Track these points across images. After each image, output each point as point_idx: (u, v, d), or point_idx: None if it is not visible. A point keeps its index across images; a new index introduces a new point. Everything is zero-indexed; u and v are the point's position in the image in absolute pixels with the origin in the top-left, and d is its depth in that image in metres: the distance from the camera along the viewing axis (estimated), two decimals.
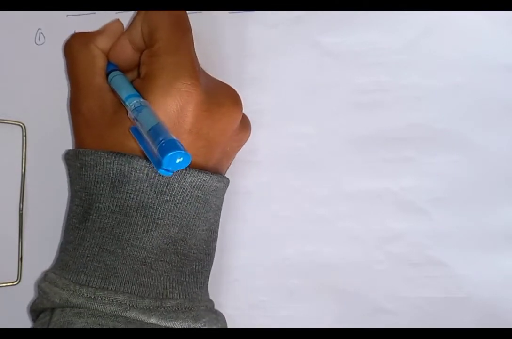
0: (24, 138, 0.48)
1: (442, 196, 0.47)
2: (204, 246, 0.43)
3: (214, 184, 0.42)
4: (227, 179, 0.44)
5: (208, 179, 0.42)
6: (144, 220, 0.41)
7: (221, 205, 0.45)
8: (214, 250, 0.45)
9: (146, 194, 0.41)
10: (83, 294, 0.40)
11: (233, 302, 0.48)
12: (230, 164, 0.46)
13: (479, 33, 0.47)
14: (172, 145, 0.37)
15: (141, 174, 0.40)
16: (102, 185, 0.41)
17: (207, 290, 0.44)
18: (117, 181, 0.41)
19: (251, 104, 0.47)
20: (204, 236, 0.43)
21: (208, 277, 0.44)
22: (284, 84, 0.48)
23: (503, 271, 0.47)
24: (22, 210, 0.47)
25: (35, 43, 0.48)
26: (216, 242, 0.45)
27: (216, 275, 0.46)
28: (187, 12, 0.44)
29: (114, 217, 0.41)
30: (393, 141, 0.47)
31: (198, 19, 0.46)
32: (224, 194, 0.45)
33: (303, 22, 0.47)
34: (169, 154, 0.36)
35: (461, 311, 0.47)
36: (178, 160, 0.37)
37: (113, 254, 0.41)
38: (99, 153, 0.41)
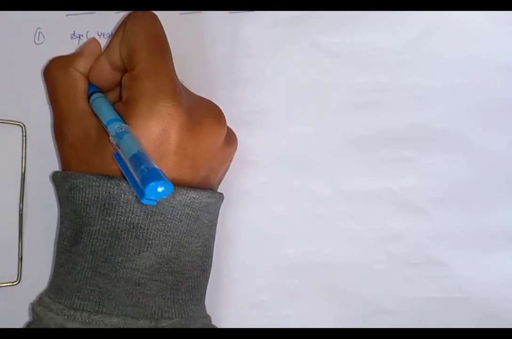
0: (24, 138, 0.47)
1: (442, 196, 0.47)
2: (200, 262, 0.43)
3: (205, 200, 0.42)
4: (219, 194, 0.44)
5: (197, 196, 0.42)
6: (136, 241, 0.41)
7: (216, 220, 0.44)
8: (210, 265, 0.44)
9: (136, 215, 0.41)
10: (77, 318, 0.40)
11: (233, 302, 0.48)
12: (222, 178, 0.46)
13: (479, 33, 0.47)
14: (154, 175, 0.36)
15: (130, 196, 0.40)
16: (92, 208, 0.41)
17: (204, 306, 0.44)
18: (107, 203, 0.41)
19: (251, 104, 0.47)
20: (199, 252, 0.43)
21: (204, 293, 0.44)
22: (284, 84, 0.48)
23: (503, 271, 0.47)
24: (22, 210, 0.47)
25: (35, 42, 0.48)
26: (212, 257, 0.44)
27: (216, 275, 0.46)
28: (187, 12, 0.44)
29: (106, 239, 0.41)
30: (393, 141, 0.47)
31: (198, 19, 0.46)
32: (218, 209, 0.44)
33: (303, 22, 0.47)
34: (151, 184, 0.36)
35: (461, 311, 0.47)
36: (160, 189, 0.36)
37: (106, 277, 0.41)
38: (88, 176, 0.41)
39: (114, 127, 0.40)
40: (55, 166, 0.47)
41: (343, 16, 0.47)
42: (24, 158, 0.48)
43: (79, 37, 0.48)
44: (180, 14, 0.47)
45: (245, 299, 0.48)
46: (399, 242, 0.47)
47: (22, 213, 0.47)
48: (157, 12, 0.46)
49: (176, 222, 0.41)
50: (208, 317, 0.44)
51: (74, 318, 0.40)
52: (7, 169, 0.47)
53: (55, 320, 0.41)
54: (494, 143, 0.47)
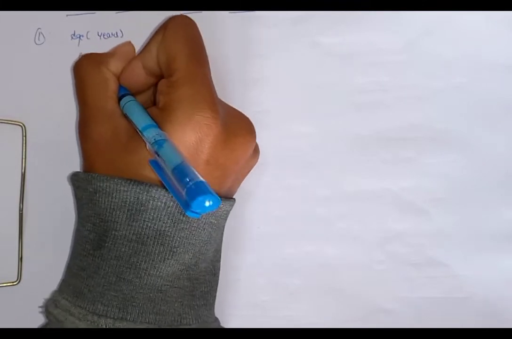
0: (24, 138, 0.47)
1: (442, 196, 0.47)
2: (211, 267, 0.43)
3: (227, 208, 0.43)
4: (234, 200, 0.44)
5: (222, 205, 0.42)
6: (161, 249, 0.40)
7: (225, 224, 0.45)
8: (219, 269, 0.45)
9: (164, 222, 0.40)
10: (102, 325, 0.40)
11: (234, 302, 0.48)
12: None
13: (479, 33, 0.47)
14: (202, 189, 0.35)
15: (159, 203, 0.40)
16: (118, 212, 0.40)
17: (213, 310, 0.44)
18: (134, 209, 0.40)
19: (251, 104, 0.47)
20: (212, 257, 0.43)
21: (215, 296, 0.44)
22: (284, 84, 0.48)
23: (503, 271, 0.47)
24: (22, 210, 0.47)
25: (35, 42, 0.48)
26: (220, 261, 0.45)
27: None
28: (187, 12, 0.44)
29: (131, 245, 0.40)
30: (393, 141, 0.47)
31: (198, 19, 0.46)
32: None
33: (303, 22, 0.47)
34: (199, 198, 0.35)
35: (461, 311, 0.47)
36: (207, 204, 0.35)
37: (131, 283, 0.40)
38: (116, 180, 0.40)
39: (152, 134, 0.39)
40: (55, 166, 0.47)
41: (343, 16, 0.47)
42: (24, 158, 0.48)
43: (79, 37, 0.48)
44: (180, 14, 0.47)
45: (245, 299, 0.48)
46: (399, 242, 0.47)
47: (22, 213, 0.47)
48: (157, 12, 0.47)
49: (199, 231, 0.41)
50: (217, 320, 0.44)
51: (98, 324, 0.40)
52: (7, 169, 0.47)
53: (78, 326, 0.40)
54: (494, 143, 0.47)
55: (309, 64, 0.47)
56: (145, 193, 0.40)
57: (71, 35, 0.48)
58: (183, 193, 0.36)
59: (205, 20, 0.47)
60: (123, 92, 0.43)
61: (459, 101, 0.47)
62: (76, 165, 0.47)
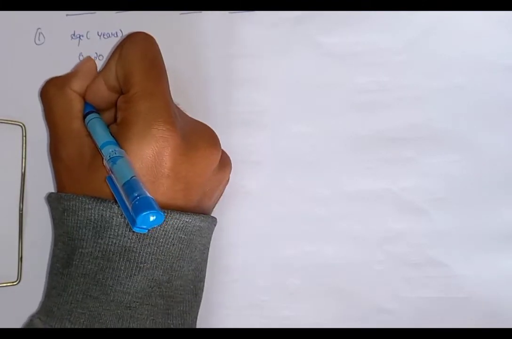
0: (24, 138, 0.47)
1: (442, 196, 0.47)
2: (191, 287, 0.43)
3: (198, 224, 0.42)
4: (213, 218, 0.44)
5: (190, 220, 0.41)
6: (127, 265, 0.40)
7: (209, 243, 0.44)
8: (202, 289, 0.44)
9: (128, 238, 0.40)
10: None
11: (233, 302, 0.48)
12: (216, 202, 0.46)
13: (479, 33, 0.47)
14: (145, 204, 0.36)
15: (122, 219, 0.40)
16: (84, 230, 0.41)
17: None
18: (99, 226, 0.41)
19: (251, 104, 0.47)
20: (191, 277, 0.43)
21: (196, 317, 0.44)
22: (284, 84, 0.48)
23: (503, 271, 0.47)
24: (22, 210, 0.47)
25: (35, 42, 0.48)
26: (204, 281, 0.44)
27: (216, 275, 0.46)
28: (187, 12, 0.44)
29: (97, 262, 0.41)
30: (393, 141, 0.47)
31: (198, 19, 0.46)
32: (211, 232, 0.44)
33: (303, 22, 0.47)
34: (142, 214, 0.36)
35: (461, 311, 0.47)
36: (151, 219, 0.36)
37: (97, 300, 0.41)
38: (80, 198, 0.41)
39: (108, 151, 0.40)
40: None
41: (343, 16, 0.47)
42: (24, 158, 0.48)
43: (79, 37, 0.48)
44: (180, 14, 0.47)
45: (245, 299, 0.48)
46: (399, 242, 0.47)
47: (22, 213, 0.47)
48: (157, 12, 0.47)
49: (168, 246, 0.41)
50: None
51: None
52: (7, 169, 0.47)
53: None
54: (494, 143, 0.47)
55: (309, 64, 0.47)
56: (109, 210, 0.40)
57: (71, 35, 0.48)
58: (130, 208, 0.37)
59: (205, 20, 0.47)
60: (88, 109, 0.44)
61: (459, 101, 0.47)
62: None
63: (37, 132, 0.47)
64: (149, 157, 0.40)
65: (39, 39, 0.48)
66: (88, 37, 0.48)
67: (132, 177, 0.38)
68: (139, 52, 0.43)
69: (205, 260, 0.44)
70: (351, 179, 0.48)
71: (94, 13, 0.47)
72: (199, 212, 0.43)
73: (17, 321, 0.47)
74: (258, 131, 0.47)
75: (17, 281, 0.47)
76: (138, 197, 0.37)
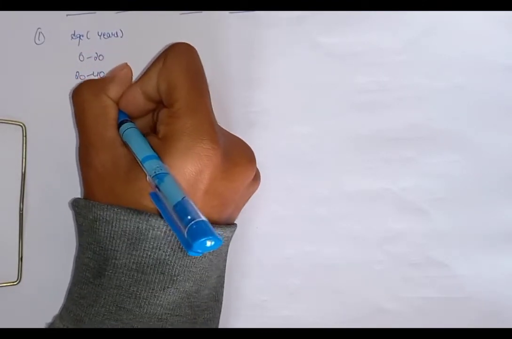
0: (24, 138, 0.48)
1: (442, 196, 0.47)
2: (214, 293, 0.43)
3: (227, 235, 0.42)
4: (236, 225, 0.44)
5: (222, 232, 0.42)
6: (161, 278, 0.40)
7: (228, 249, 0.44)
8: (222, 294, 0.45)
9: (163, 251, 0.40)
10: None
11: (234, 302, 0.48)
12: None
13: (479, 33, 0.47)
14: (203, 230, 0.35)
15: (158, 232, 0.40)
16: (118, 241, 0.40)
17: None
18: (134, 238, 0.40)
19: (251, 104, 0.47)
20: (215, 284, 0.43)
21: (218, 323, 0.44)
22: (284, 84, 0.48)
23: (503, 271, 0.47)
24: (22, 210, 0.47)
25: (35, 42, 0.48)
26: (223, 286, 0.45)
27: None
28: (187, 12, 0.44)
29: (131, 274, 0.40)
30: (393, 141, 0.47)
31: (198, 19, 0.46)
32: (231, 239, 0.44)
33: (303, 22, 0.47)
34: (201, 240, 0.35)
35: (461, 311, 0.47)
36: (209, 244, 0.35)
37: (130, 312, 0.40)
38: (115, 209, 0.40)
39: (153, 166, 0.39)
40: (55, 166, 0.47)
41: (343, 16, 0.47)
42: (24, 158, 0.48)
43: (79, 37, 0.48)
44: (180, 14, 0.47)
45: (245, 299, 0.48)
46: (399, 242, 0.47)
47: (22, 213, 0.47)
48: (157, 12, 0.47)
49: (200, 258, 0.41)
50: None
51: None
52: (7, 169, 0.47)
53: None
54: (494, 143, 0.47)
55: (309, 64, 0.47)
56: (145, 222, 0.40)
57: (71, 35, 0.48)
58: (185, 232, 0.36)
59: (205, 20, 0.47)
60: (122, 117, 0.43)
61: (459, 101, 0.47)
62: (75, 165, 0.47)
63: (37, 132, 0.48)
64: (191, 174, 0.40)
65: (39, 39, 0.48)
66: (88, 37, 0.48)
67: (184, 198, 0.37)
68: (184, 65, 0.42)
69: (225, 266, 0.45)
70: (351, 179, 0.48)
71: (94, 13, 0.47)
72: (229, 222, 0.43)
73: (17, 321, 0.47)
74: (258, 131, 0.47)
75: (17, 281, 0.47)
76: (193, 221, 0.36)
